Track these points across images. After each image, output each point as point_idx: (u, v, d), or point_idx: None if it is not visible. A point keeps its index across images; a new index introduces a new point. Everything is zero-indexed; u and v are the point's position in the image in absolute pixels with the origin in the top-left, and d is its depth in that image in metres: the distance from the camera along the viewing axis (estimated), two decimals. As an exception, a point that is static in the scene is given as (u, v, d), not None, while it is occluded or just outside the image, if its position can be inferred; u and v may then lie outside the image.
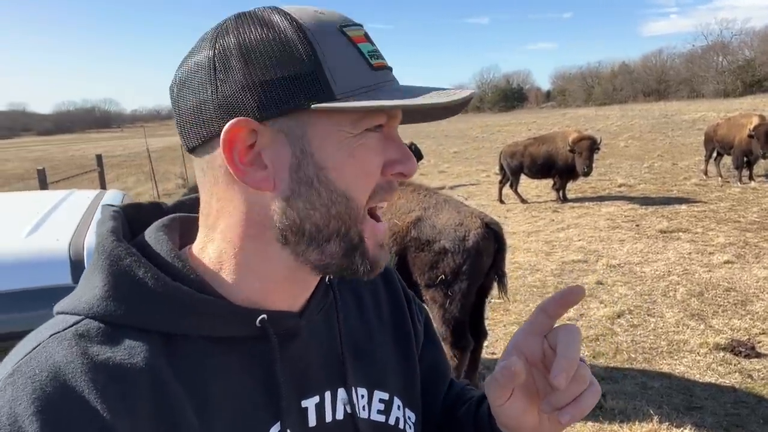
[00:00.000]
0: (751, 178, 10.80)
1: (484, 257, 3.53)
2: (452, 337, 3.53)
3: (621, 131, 24.19)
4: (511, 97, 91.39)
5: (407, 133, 30.15)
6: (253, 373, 0.60)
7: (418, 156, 13.09)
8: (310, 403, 0.65)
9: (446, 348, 3.60)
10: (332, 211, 0.58)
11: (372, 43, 0.60)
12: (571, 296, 0.62)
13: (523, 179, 10.97)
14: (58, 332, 0.54)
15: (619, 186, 11.52)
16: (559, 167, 10.14)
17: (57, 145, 54.89)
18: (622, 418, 3.44)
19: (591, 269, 6.30)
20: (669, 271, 6.05)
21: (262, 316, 0.59)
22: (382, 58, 0.61)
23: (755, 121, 10.09)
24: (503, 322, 5.03)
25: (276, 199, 0.58)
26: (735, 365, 4.03)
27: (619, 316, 4.96)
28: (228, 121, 0.55)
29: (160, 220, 0.66)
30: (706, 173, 11.75)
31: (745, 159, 10.58)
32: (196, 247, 0.63)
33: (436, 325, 3.57)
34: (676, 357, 4.22)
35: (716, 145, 11.30)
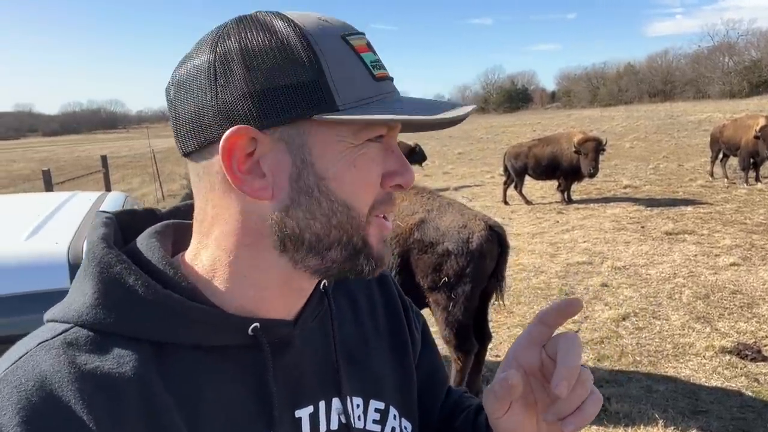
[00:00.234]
0: (757, 179, 10.74)
1: (488, 260, 3.52)
2: (456, 340, 3.51)
3: (626, 132, 24.12)
4: (515, 98, 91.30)
5: (413, 135, 30.14)
6: (245, 383, 0.59)
7: (422, 157, 13.10)
8: (303, 413, 0.64)
9: (450, 351, 3.59)
10: (333, 221, 0.58)
11: (374, 53, 0.60)
12: (569, 308, 0.62)
13: (528, 180, 10.94)
14: (47, 340, 0.53)
15: (625, 187, 11.48)
16: (564, 168, 10.11)
17: (63, 146, 55.20)
18: (627, 422, 3.42)
19: (596, 271, 6.28)
20: (674, 274, 6.02)
21: (255, 324, 0.58)
22: (384, 69, 0.60)
23: (762, 122, 10.03)
24: (507, 324, 5.01)
25: (274, 208, 0.57)
26: (741, 369, 4.00)
27: (624, 319, 4.93)
28: (227, 127, 0.54)
29: (152, 227, 0.65)
30: (712, 174, 11.69)
31: (751, 160, 10.52)
32: (189, 254, 0.62)
33: (440, 328, 3.55)
34: (681, 360, 4.19)
35: (722, 147, 11.24)
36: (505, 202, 10.74)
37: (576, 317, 5.01)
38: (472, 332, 3.59)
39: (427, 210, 3.63)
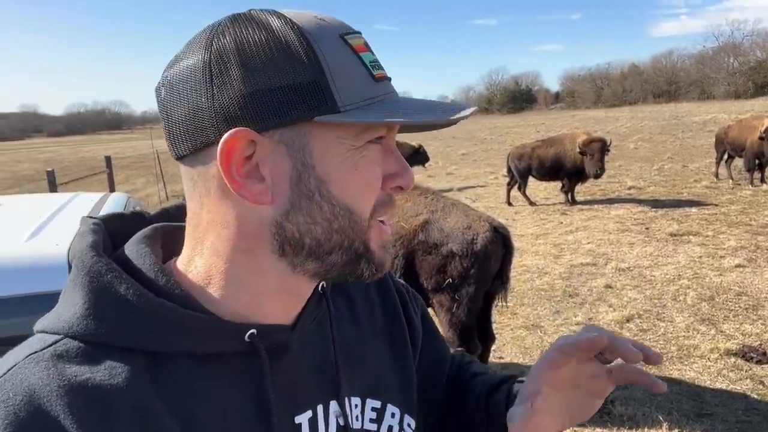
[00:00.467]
0: (762, 180, 10.68)
1: (492, 261, 3.51)
2: (459, 341, 3.50)
3: (631, 133, 24.05)
4: (519, 98, 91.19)
5: (417, 135, 30.14)
6: (243, 391, 0.58)
7: (425, 158, 13.07)
8: (303, 419, 0.63)
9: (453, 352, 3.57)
10: (334, 225, 0.57)
11: (372, 53, 0.59)
12: (590, 346, 0.64)
13: (532, 181, 10.91)
14: (36, 352, 0.52)
15: (629, 188, 11.44)
16: (568, 169, 10.08)
17: (68, 147, 55.42)
18: (631, 425, 3.40)
19: (600, 272, 6.25)
20: (679, 275, 5.99)
21: (252, 331, 0.57)
22: (383, 69, 0.59)
23: (767, 123, 9.99)
24: (511, 325, 5.00)
25: (274, 213, 0.56)
26: (746, 371, 3.97)
27: (628, 321, 4.91)
28: (224, 130, 0.52)
29: (141, 232, 0.63)
30: (716, 175, 11.64)
31: (756, 161, 10.46)
32: (182, 260, 0.60)
33: (443, 329, 3.54)
34: (686, 362, 4.17)
35: (727, 147, 11.19)
36: (509, 203, 10.72)
37: (580, 318, 4.99)
38: (475, 334, 3.59)
39: (431, 211, 3.62)
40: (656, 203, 9.81)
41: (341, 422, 0.66)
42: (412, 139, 13.33)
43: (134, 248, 0.60)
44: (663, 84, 69.95)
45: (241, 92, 0.52)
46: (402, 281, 0.87)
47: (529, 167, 10.49)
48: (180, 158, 0.58)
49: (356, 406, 0.70)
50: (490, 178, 14.54)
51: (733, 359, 4.14)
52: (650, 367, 4.08)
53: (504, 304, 3.87)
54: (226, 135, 0.52)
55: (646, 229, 8.11)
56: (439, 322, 3.58)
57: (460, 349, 0.93)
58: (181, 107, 0.55)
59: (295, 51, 0.53)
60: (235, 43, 0.53)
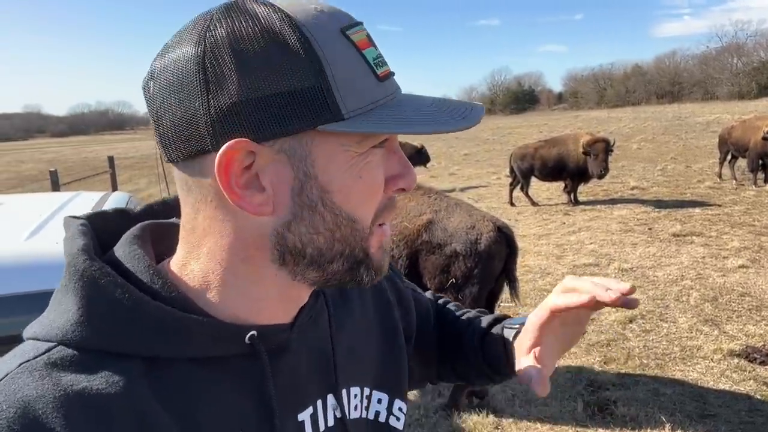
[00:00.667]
0: (766, 180, 10.64)
1: (496, 261, 3.50)
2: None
3: (634, 133, 24.01)
4: (522, 99, 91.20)
5: (419, 135, 30.05)
6: (244, 393, 0.57)
7: (426, 159, 13.06)
8: (305, 416, 0.63)
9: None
10: (337, 234, 0.55)
11: (375, 47, 0.55)
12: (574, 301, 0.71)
13: (534, 182, 10.90)
14: (29, 361, 0.50)
15: (632, 189, 11.42)
16: (571, 170, 10.06)
17: (71, 147, 55.53)
18: (634, 425, 3.39)
19: (602, 273, 6.23)
20: (682, 276, 5.97)
21: (252, 332, 0.56)
22: (386, 64, 0.56)
23: (771, 123, 9.95)
24: (513, 326, 4.98)
25: (275, 224, 0.54)
26: (750, 372, 3.96)
27: (631, 321, 4.90)
28: (222, 140, 0.50)
29: (130, 231, 0.61)
30: (720, 176, 11.61)
31: (760, 161, 10.43)
32: (176, 262, 0.58)
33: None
34: (689, 363, 4.15)
35: (731, 148, 11.16)
36: (512, 204, 10.71)
37: (582, 319, 4.97)
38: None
39: (435, 211, 3.61)
40: (659, 204, 9.78)
41: (338, 414, 0.66)
42: (414, 139, 13.32)
43: (126, 250, 0.58)
44: (666, 84, 69.87)
45: (238, 98, 0.49)
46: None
47: (532, 167, 10.48)
48: (172, 162, 0.55)
49: (355, 396, 0.70)
50: (493, 178, 14.52)
51: (736, 360, 4.13)
52: (653, 367, 4.07)
53: (516, 301, 3.87)
54: (224, 147, 0.49)
55: (649, 229, 8.09)
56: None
57: (428, 291, 0.99)
58: (173, 109, 0.51)
59: (295, 52, 0.49)
60: (230, 40, 0.49)
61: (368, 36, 0.55)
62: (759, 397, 3.64)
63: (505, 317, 0.89)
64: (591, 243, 7.54)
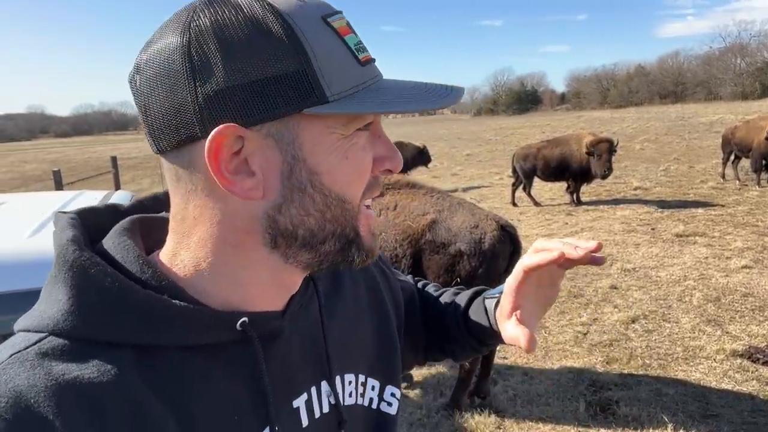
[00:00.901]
0: (770, 181, 10.62)
1: (500, 260, 3.50)
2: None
3: (637, 134, 23.96)
4: (525, 99, 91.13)
5: (421, 135, 30.12)
6: (237, 379, 0.57)
7: (427, 159, 13.05)
8: (300, 402, 0.64)
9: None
10: (327, 215, 0.56)
11: (355, 34, 0.57)
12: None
13: (537, 182, 10.89)
14: (19, 351, 0.50)
15: (635, 189, 11.39)
16: (574, 170, 10.05)
17: (74, 147, 55.68)
18: (636, 425, 3.39)
19: (605, 273, 6.22)
20: (685, 276, 5.96)
21: (243, 319, 0.56)
22: (367, 51, 0.58)
23: (774, 123, 9.92)
24: (515, 326, 4.97)
25: (265, 207, 0.54)
26: (752, 372, 3.95)
27: (633, 321, 4.89)
28: (210, 126, 0.50)
29: (119, 224, 0.61)
30: (723, 176, 11.58)
31: (763, 162, 10.40)
32: (166, 253, 0.59)
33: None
34: (692, 363, 4.14)
35: (734, 148, 11.13)
36: (514, 204, 10.70)
37: (585, 319, 4.97)
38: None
39: (438, 210, 3.61)
40: (662, 204, 9.76)
41: (332, 401, 0.67)
42: (417, 139, 13.32)
43: (115, 241, 0.58)
44: (669, 85, 69.74)
45: (225, 85, 0.50)
46: None
47: (534, 168, 10.46)
48: (161, 152, 0.55)
49: (350, 383, 0.71)
50: (495, 178, 14.51)
51: (739, 360, 4.12)
52: (656, 367, 4.07)
53: None
54: (212, 132, 0.50)
55: (652, 229, 8.07)
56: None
57: (408, 275, 1.01)
58: (160, 99, 0.52)
59: (278, 39, 0.51)
60: (214, 29, 0.50)
61: (348, 24, 0.57)
62: (762, 397, 3.63)
63: (483, 290, 0.91)
64: (594, 243, 7.52)
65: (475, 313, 0.87)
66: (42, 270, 1.47)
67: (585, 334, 4.73)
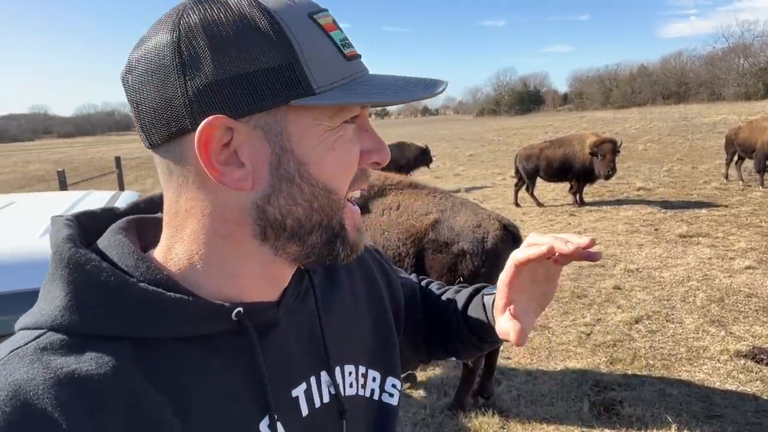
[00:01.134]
0: (773, 181, 10.60)
1: (503, 259, 3.47)
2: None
3: (640, 134, 23.93)
4: (527, 99, 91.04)
5: (424, 136, 30.11)
6: (235, 369, 0.58)
7: (429, 160, 13.06)
8: (299, 392, 0.65)
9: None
10: (314, 205, 0.57)
11: (341, 30, 0.58)
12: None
13: (539, 182, 10.88)
14: (19, 347, 0.51)
15: (638, 189, 11.38)
16: (576, 170, 10.04)
17: (78, 147, 55.79)
18: (640, 426, 3.39)
19: (608, 274, 6.23)
20: (689, 277, 5.96)
21: (238, 309, 0.57)
22: (353, 47, 0.59)
23: (778, 124, 9.90)
24: (519, 326, 4.98)
25: (254, 198, 0.56)
26: (756, 373, 3.95)
27: (637, 322, 4.89)
28: (200, 118, 0.52)
29: (115, 224, 0.63)
30: (726, 177, 11.56)
31: (767, 162, 10.38)
32: (160, 249, 0.60)
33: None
34: (695, 364, 4.14)
35: (737, 149, 11.11)
36: (517, 204, 10.70)
37: (588, 320, 4.98)
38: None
39: (441, 210, 3.62)
40: (665, 204, 9.75)
41: (332, 391, 0.68)
42: (419, 139, 13.32)
43: (111, 239, 0.59)
44: (672, 85, 69.62)
45: (214, 78, 0.51)
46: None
47: (537, 168, 10.46)
48: (153, 146, 0.57)
49: (350, 373, 0.72)
50: (498, 179, 14.50)
51: (743, 361, 4.11)
52: (660, 368, 4.07)
53: None
54: (202, 123, 0.52)
55: (656, 230, 8.07)
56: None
57: (412, 274, 1.01)
58: (151, 94, 0.54)
59: (265, 34, 0.52)
60: (203, 26, 0.52)
61: (334, 21, 0.58)
62: (766, 397, 3.63)
63: (484, 287, 0.91)
64: (597, 244, 7.46)
65: (474, 310, 0.88)
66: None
67: (588, 334, 4.73)
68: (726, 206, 9.26)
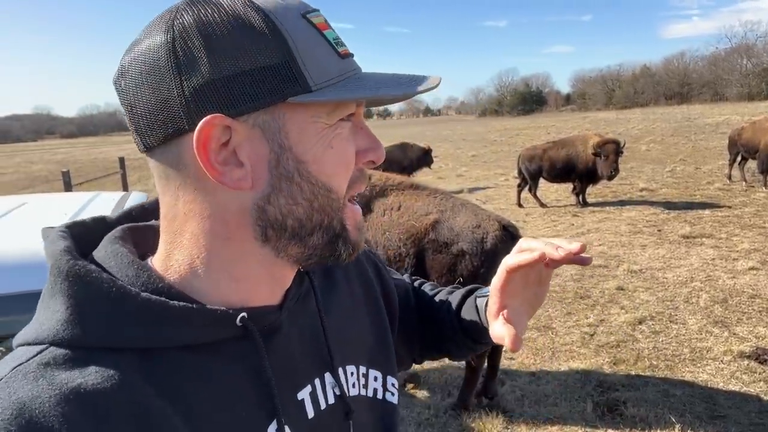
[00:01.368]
0: (776, 182, 10.58)
1: (501, 260, 3.50)
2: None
3: (643, 135, 23.90)
4: (530, 100, 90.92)
5: (426, 137, 30.11)
6: (240, 375, 0.58)
7: (429, 161, 13.07)
8: (305, 394, 0.65)
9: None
10: (315, 204, 0.57)
11: (333, 30, 0.59)
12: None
13: (542, 183, 10.88)
14: (21, 364, 0.49)
15: (641, 190, 11.37)
16: (579, 171, 10.04)
17: (81, 148, 55.87)
18: (644, 426, 3.39)
19: (612, 274, 6.23)
20: (692, 277, 5.96)
21: (243, 314, 0.57)
22: (345, 45, 0.59)
23: (781, 124, 9.89)
24: (522, 327, 4.98)
25: (254, 198, 0.55)
26: (760, 374, 3.95)
27: (640, 323, 4.89)
28: (197, 118, 0.51)
29: (110, 233, 0.61)
30: (729, 177, 11.55)
31: (770, 163, 10.36)
32: (160, 256, 0.59)
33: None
34: (699, 364, 4.15)
35: (740, 149, 11.09)
36: (520, 205, 10.69)
37: (592, 320, 4.98)
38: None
39: (441, 210, 3.63)
40: (668, 205, 9.74)
41: (337, 392, 0.68)
42: (421, 140, 13.32)
43: (108, 249, 0.58)
44: (675, 85, 69.49)
45: (210, 77, 0.51)
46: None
47: (540, 169, 10.46)
48: (148, 150, 0.56)
49: (352, 374, 0.73)
50: (501, 179, 14.50)
51: (746, 361, 4.12)
52: (663, 368, 4.08)
53: None
54: (200, 123, 0.51)
55: (659, 231, 8.06)
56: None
57: (406, 274, 1.02)
58: (147, 96, 0.53)
59: (261, 32, 0.52)
60: (198, 26, 0.52)
61: (326, 20, 0.59)
62: (769, 398, 3.64)
63: (477, 288, 0.92)
64: (600, 244, 7.53)
65: (467, 312, 0.89)
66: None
67: (592, 335, 4.74)
68: (729, 207, 9.25)
